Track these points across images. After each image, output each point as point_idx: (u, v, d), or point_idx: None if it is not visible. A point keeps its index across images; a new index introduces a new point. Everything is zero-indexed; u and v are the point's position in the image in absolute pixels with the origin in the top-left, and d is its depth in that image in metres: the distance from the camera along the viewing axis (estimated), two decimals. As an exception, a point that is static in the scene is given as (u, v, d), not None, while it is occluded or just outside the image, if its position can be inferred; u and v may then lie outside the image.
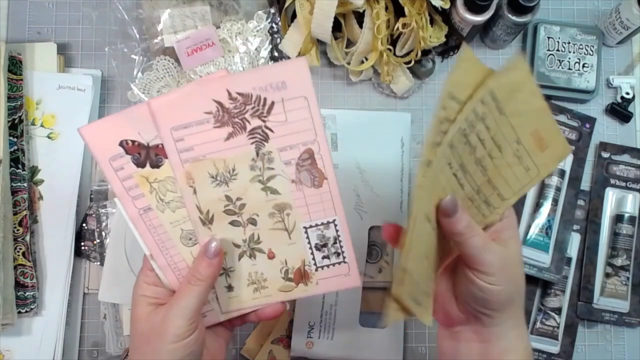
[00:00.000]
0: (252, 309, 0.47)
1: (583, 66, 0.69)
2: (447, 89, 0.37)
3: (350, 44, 0.67)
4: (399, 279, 0.40)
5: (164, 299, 0.44)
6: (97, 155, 0.41)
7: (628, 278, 0.67)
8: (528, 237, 0.66)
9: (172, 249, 0.44)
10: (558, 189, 0.67)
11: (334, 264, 0.46)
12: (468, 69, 0.38)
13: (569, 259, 0.67)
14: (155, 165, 0.42)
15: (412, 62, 0.66)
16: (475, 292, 0.41)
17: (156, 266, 0.44)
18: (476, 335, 0.44)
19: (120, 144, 0.41)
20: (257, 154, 0.42)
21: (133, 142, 0.41)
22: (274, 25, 0.66)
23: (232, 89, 0.40)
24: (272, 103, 0.40)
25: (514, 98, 0.39)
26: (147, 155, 0.42)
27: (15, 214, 0.61)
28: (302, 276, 0.46)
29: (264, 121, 0.41)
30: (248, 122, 0.41)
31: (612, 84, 0.71)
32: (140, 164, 0.42)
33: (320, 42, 0.67)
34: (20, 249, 0.61)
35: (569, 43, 0.69)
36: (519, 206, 0.67)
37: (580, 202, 0.69)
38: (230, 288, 0.46)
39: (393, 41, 0.65)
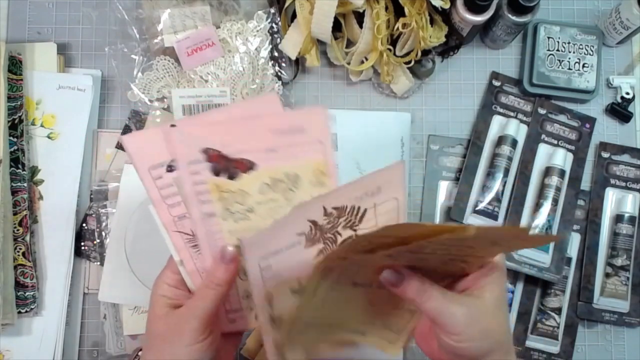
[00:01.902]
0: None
1: (583, 66, 0.69)
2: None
3: (350, 44, 0.67)
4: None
5: (183, 301, 0.44)
6: (137, 163, 0.42)
7: (628, 278, 0.67)
8: (528, 237, 0.66)
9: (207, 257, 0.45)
10: (558, 189, 0.67)
11: None
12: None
13: (569, 259, 0.67)
14: (231, 177, 0.43)
15: (412, 62, 0.66)
16: (446, 348, 0.39)
17: (184, 271, 0.45)
18: None
19: (205, 151, 0.42)
20: None
21: (216, 151, 0.42)
22: (274, 25, 0.66)
23: (329, 205, 0.38)
24: (365, 210, 0.39)
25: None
26: (225, 165, 0.43)
27: (15, 214, 0.61)
28: None
29: (355, 230, 0.40)
30: (340, 234, 0.39)
31: (612, 84, 0.71)
32: (217, 173, 0.43)
33: (320, 42, 0.67)
34: (20, 249, 0.61)
35: (569, 43, 0.69)
36: (519, 206, 0.67)
37: (580, 202, 0.69)
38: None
39: (393, 41, 0.65)
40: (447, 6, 0.62)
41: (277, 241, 0.38)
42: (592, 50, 0.69)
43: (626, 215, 0.67)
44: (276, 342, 0.40)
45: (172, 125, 0.42)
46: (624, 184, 0.69)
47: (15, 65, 0.65)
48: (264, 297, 0.39)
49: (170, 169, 0.43)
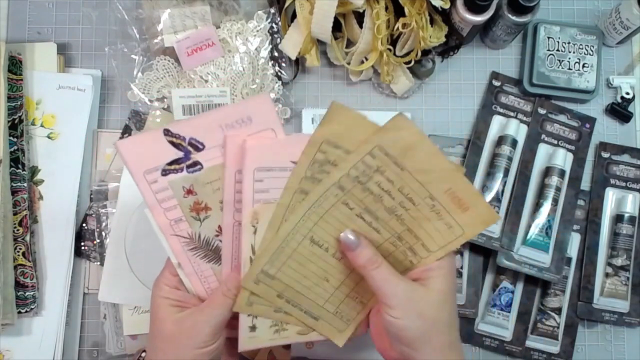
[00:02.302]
0: (266, 346, 0.48)
1: (583, 66, 0.69)
2: (319, 137, 0.41)
3: (350, 44, 0.67)
4: (250, 277, 0.43)
5: (187, 302, 0.45)
6: (132, 168, 0.42)
7: (628, 278, 0.67)
8: (528, 237, 0.66)
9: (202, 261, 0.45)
10: (558, 189, 0.67)
11: None
12: (345, 122, 0.41)
13: (569, 259, 0.67)
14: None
15: (412, 62, 0.66)
16: (387, 327, 0.42)
17: (182, 273, 0.45)
18: None
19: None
20: None
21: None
22: (274, 25, 0.66)
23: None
24: None
25: (411, 156, 0.41)
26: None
27: (15, 214, 0.61)
28: None
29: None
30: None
31: (612, 84, 0.71)
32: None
33: (320, 42, 0.67)
34: (20, 249, 0.61)
35: (569, 43, 0.69)
36: (519, 206, 0.67)
37: (580, 202, 0.69)
38: (253, 328, 0.46)
39: (393, 41, 0.65)
40: (447, 6, 0.62)
41: (274, 159, 0.42)
42: (592, 50, 0.69)
43: (626, 215, 0.67)
44: (250, 278, 0.43)
45: (166, 130, 0.42)
46: (624, 184, 0.69)
47: (15, 65, 0.65)
48: (250, 214, 0.42)
49: (165, 173, 0.43)
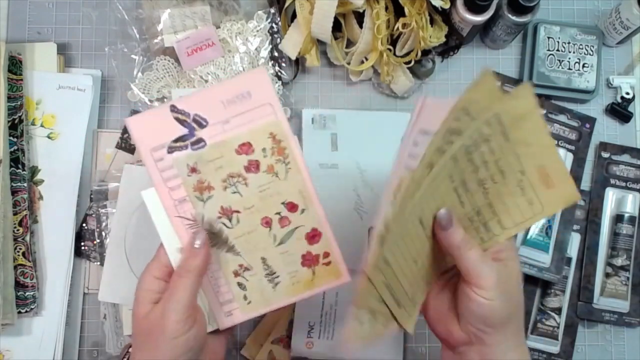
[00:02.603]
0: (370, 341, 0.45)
1: (583, 66, 0.69)
2: (462, 103, 0.37)
3: (350, 44, 0.67)
4: (375, 264, 0.40)
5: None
6: (140, 145, 0.43)
7: (628, 278, 0.67)
8: (528, 237, 0.66)
9: None
10: (558, 189, 0.66)
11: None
12: (484, 90, 0.38)
13: (569, 259, 0.67)
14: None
15: (412, 62, 0.66)
16: (474, 308, 0.41)
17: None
18: (478, 356, 0.43)
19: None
20: None
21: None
22: (274, 25, 0.66)
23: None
24: None
25: (519, 126, 0.40)
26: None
27: (15, 214, 0.61)
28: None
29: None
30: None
31: (612, 84, 0.71)
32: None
33: (320, 42, 0.67)
34: (20, 249, 0.61)
35: (569, 43, 0.69)
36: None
37: (580, 202, 0.69)
38: (361, 323, 0.43)
39: (393, 41, 0.65)
40: (447, 6, 0.62)
41: (436, 123, 0.38)
42: (592, 50, 0.69)
43: (626, 215, 0.67)
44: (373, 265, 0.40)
45: (172, 106, 0.43)
46: (624, 184, 0.69)
47: (15, 65, 0.65)
48: (396, 183, 0.39)
49: (170, 150, 0.43)
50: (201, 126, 0.44)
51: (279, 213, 0.46)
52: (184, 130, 0.43)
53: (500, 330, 0.42)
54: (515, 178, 0.42)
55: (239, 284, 0.46)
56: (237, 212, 0.45)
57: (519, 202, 0.42)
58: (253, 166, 0.45)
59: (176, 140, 0.43)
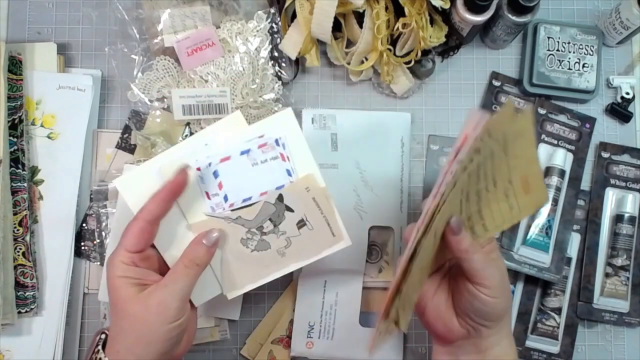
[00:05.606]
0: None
1: (583, 66, 0.69)
2: (489, 127, 0.40)
3: (350, 44, 0.67)
4: (404, 278, 0.42)
5: (146, 279, 0.45)
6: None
7: (628, 278, 0.67)
8: (528, 237, 0.66)
9: None
10: (558, 189, 0.67)
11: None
12: (506, 114, 0.41)
13: (569, 259, 0.67)
14: None
15: (412, 62, 0.66)
16: (479, 305, 0.45)
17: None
18: (474, 348, 0.47)
19: None
20: None
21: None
22: (274, 25, 0.66)
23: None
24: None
25: (516, 143, 0.43)
26: None
27: (15, 214, 0.61)
28: None
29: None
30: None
31: (612, 84, 0.71)
32: None
33: (320, 42, 0.67)
34: (20, 249, 0.61)
35: (569, 43, 0.69)
36: (519, 206, 0.67)
37: (580, 202, 0.69)
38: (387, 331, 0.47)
39: (393, 41, 0.65)
40: (447, 6, 0.62)
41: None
42: (592, 50, 0.69)
43: (626, 215, 0.67)
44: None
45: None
46: (624, 184, 0.69)
47: (15, 65, 0.65)
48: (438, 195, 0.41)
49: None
50: None
51: None
52: None
53: (497, 322, 0.46)
54: (503, 186, 0.44)
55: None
56: None
57: (502, 207, 0.46)
58: None
59: None
